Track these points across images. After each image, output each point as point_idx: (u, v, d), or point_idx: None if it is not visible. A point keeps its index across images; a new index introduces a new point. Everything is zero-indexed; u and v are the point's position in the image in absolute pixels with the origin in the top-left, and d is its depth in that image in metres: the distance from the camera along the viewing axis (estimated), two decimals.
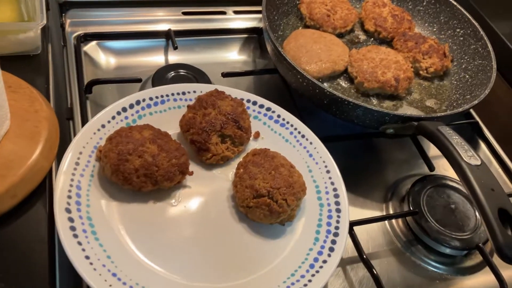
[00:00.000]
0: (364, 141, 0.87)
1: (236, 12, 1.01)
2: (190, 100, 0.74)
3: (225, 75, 0.87)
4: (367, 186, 0.81)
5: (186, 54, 0.92)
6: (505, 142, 1.09)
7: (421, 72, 0.92)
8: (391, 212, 0.78)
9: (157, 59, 0.90)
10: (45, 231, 0.58)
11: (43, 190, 0.62)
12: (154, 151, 0.63)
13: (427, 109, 0.87)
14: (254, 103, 0.77)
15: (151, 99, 0.73)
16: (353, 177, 0.81)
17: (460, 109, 0.76)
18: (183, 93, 0.75)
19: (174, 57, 0.91)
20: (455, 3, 0.97)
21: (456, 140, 0.64)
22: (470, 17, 0.95)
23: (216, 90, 0.73)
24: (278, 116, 0.76)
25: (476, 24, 0.93)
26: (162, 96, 0.73)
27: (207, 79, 0.85)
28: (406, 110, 0.86)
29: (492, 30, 1.11)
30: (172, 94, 0.74)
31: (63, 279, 0.57)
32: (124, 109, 0.70)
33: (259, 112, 0.77)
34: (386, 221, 0.76)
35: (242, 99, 0.76)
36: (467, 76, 0.91)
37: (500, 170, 0.88)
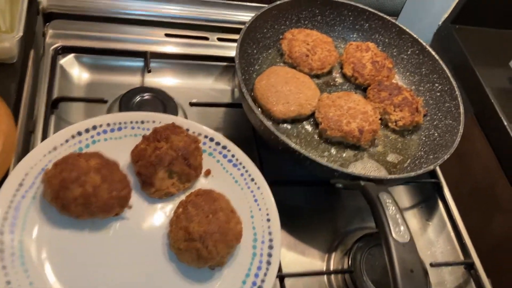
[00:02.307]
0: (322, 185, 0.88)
1: (220, 39, 1.02)
2: (148, 129, 0.76)
3: (192, 104, 0.88)
4: (314, 232, 0.82)
5: (162, 77, 0.94)
6: (472, 199, 1.08)
7: (390, 124, 0.92)
8: (331, 263, 0.79)
9: (132, 80, 0.91)
10: None
11: None
12: (96, 182, 0.65)
13: (387, 164, 0.87)
14: (211, 139, 0.78)
15: (108, 125, 0.74)
16: (302, 221, 0.82)
17: (413, 174, 0.76)
18: (142, 122, 0.76)
19: (150, 79, 0.92)
20: (437, 58, 0.96)
21: (391, 212, 0.64)
22: (449, 74, 0.94)
23: (173, 124, 0.75)
24: (233, 156, 0.77)
25: (454, 82, 0.93)
26: (119, 123, 0.75)
27: (173, 107, 0.86)
28: (366, 163, 0.86)
29: (478, 81, 1.11)
30: (131, 122, 0.76)
31: None
32: (79, 133, 0.72)
33: (214, 149, 0.78)
34: None
35: (200, 134, 0.77)
36: (436, 134, 0.91)
37: (452, 234, 0.88)
